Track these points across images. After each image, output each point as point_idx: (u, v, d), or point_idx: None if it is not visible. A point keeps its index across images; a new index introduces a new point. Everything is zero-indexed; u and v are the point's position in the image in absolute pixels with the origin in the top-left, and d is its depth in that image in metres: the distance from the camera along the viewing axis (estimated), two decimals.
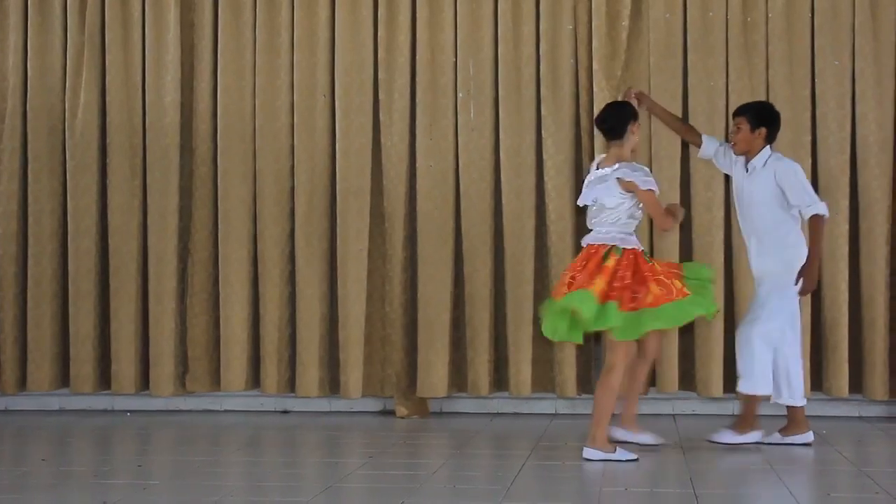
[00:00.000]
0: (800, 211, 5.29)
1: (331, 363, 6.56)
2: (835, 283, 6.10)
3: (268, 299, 6.52)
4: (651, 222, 5.99)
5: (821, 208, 5.25)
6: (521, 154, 6.40)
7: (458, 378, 6.49)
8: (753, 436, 5.28)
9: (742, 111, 5.46)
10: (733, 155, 5.47)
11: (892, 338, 6.17)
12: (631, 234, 5.09)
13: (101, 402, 6.74)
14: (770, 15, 6.25)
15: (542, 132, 6.39)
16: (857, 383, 6.19)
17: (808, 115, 6.22)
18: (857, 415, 6.23)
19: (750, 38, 6.26)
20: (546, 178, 6.38)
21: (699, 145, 5.62)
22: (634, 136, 5.18)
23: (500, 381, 6.47)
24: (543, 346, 6.39)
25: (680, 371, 6.25)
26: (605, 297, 4.93)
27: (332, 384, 6.57)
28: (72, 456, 5.52)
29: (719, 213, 6.25)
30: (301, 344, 6.50)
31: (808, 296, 5.54)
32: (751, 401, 5.30)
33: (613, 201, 5.06)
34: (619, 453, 5.02)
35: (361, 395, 6.50)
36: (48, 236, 6.63)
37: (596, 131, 6.28)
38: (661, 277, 4.99)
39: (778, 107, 6.17)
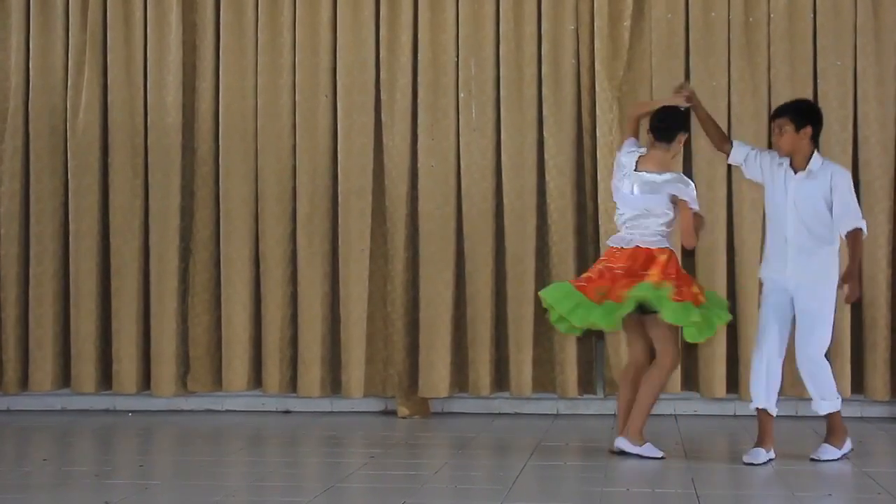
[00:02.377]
0: (837, 221, 5.00)
1: (332, 363, 6.56)
2: None
3: (269, 299, 6.52)
4: None
5: (863, 224, 5.01)
6: (522, 154, 6.40)
7: (460, 378, 6.49)
8: (848, 444, 5.12)
9: (783, 111, 5.13)
10: (766, 160, 5.14)
11: (894, 338, 6.17)
12: (667, 241, 5.15)
13: (102, 402, 6.74)
14: (772, 15, 6.24)
15: (544, 132, 6.39)
16: (858, 383, 6.18)
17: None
18: (858, 415, 6.22)
19: (752, 38, 6.26)
20: (548, 178, 6.38)
21: (728, 152, 5.26)
22: (680, 145, 5.19)
23: (501, 381, 6.47)
24: (545, 347, 6.39)
25: (682, 371, 6.25)
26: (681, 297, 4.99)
27: (334, 384, 6.57)
28: (73, 456, 5.52)
29: (722, 213, 6.25)
30: (303, 344, 6.50)
31: None
32: (836, 414, 5.11)
33: (660, 210, 5.09)
34: (646, 448, 5.04)
35: (363, 395, 6.50)
36: (50, 236, 6.64)
37: (599, 131, 6.29)
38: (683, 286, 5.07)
39: None
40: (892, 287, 6.15)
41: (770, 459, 4.99)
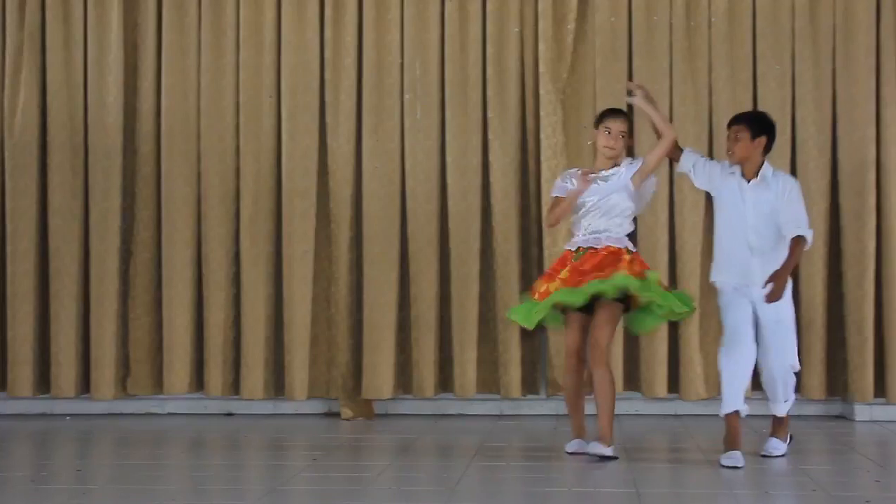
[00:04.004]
0: (783, 227, 5.04)
1: (276, 365, 6.52)
2: None
3: (212, 301, 6.47)
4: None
5: (809, 234, 5.06)
6: (467, 156, 6.42)
7: (404, 379, 6.48)
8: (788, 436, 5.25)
9: (741, 119, 5.19)
10: (716, 170, 5.18)
11: (830, 338, 6.28)
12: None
13: (39, 405, 6.64)
14: (713, 20, 6.32)
15: (489, 134, 6.41)
16: (796, 382, 6.26)
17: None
18: (795, 413, 6.30)
19: (693, 42, 6.34)
20: (492, 180, 6.40)
21: (678, 159, 5.29)
22: (598, 139, 5.21)
23: (445, 382, 6.47)
24: (489, 348, 6.41)
25: (624, 372, 6.30)
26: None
27: (277, 386, 6.53)
28: (9, 461, 5.42)
29: (664, 214, 6.31)
30: (246, 346, 6.45)
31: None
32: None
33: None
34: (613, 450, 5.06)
35: (306, 398, 6.47)
36: None
37: (543, 133, 6.33)
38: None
39: (720, 111, 6.29)
40: (828, 288, 6.26)
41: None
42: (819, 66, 6.26)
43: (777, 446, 5.18)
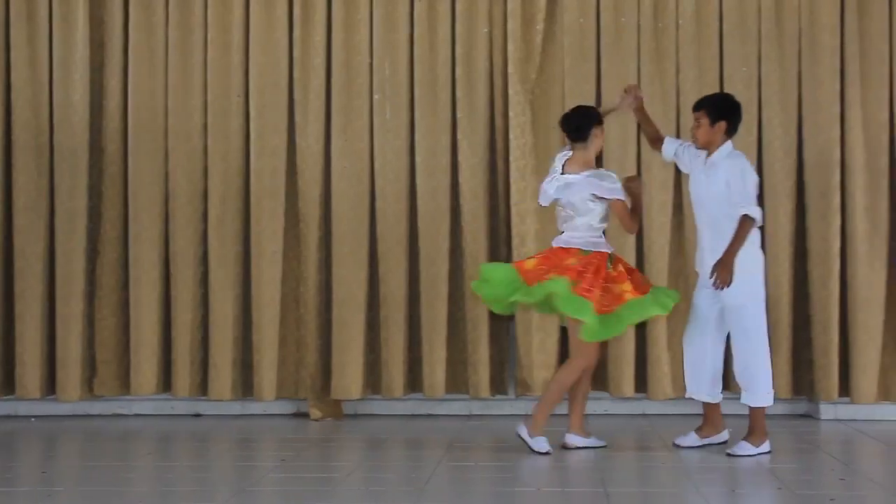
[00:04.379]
0: (732, 206, 5.18)
1: (244, 366, 6.49)
2: None
3: (180, 301, 6.43)
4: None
5: (753, 211, 5.15)
6: (436, 156, 6.42)
7: (373, 379, 6.48)
8: (766, 445, 5.26)
9: (701, 105, 5.35)
10: (690, 153, 5.37)
11: (795, 337, 6.34)
12: (600, 238, 5.25)
13: (3, 407, 6.56)
14: (680, 21, 6.37)
15: (458, 134, 6.42)
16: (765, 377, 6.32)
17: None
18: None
19: (661, 43, 6.37)
20: (461, 180, 6.41)
21: (660, 149, 5.51)
22: (598, 140, 5.28)
23: (414, 382, 6.47)
24: (458, 348, 6.42)
25: (592, 371, 6.31)
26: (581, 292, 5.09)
27: (246, 387, 6.50)
28: None
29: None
30: (214, 346, 6.42)
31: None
32: (761, 410, 5.25)
33: (584, 209, 5.20)
34: (536, 441, 5.15)
35: (275, 398, 6.45)
36: None
37: (512, 134, 6.35)
38: (610, 285, 5.13)
39: (687, 112, 6.29)
40: (794, 288, 6.32)
41: (706, 444, 5.31)
42: (785, 68, 6.32)
43: (743, 448, 5.20)
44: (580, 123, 5.26)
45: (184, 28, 6.49)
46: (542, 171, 6.36)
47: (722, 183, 5.19)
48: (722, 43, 6.35)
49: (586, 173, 5.22)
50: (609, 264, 5.19)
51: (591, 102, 6.31)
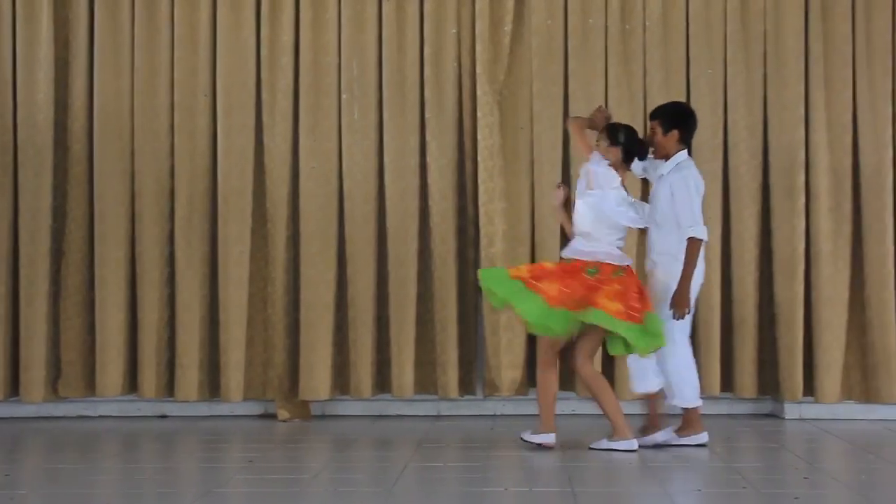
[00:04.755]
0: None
1: (211, 366, 6.46)
2: (707, 284, 6.26)
3: (146, 301, 6.39)
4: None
5: (699, 232, 5.20)
6: (404, 156, 6.42)
7: (341, 380, 6.46)
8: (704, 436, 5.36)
9: (655, 114, 5.41)
10: (654, 162, 5.40)
11: (761, 337, 6.39)
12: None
13: None
14: (647, 24, 6.40)
15: (426, 135, 6.42)
16: (727, 382, 6.38)
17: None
18: (727, 412, 6.44)
19: (628, 45, 6.41)
20: (430, 181, 6.41)
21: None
22: (612, 156, 5.28)
23: (382, 382, 6.47)
24: (426, 348, 6.42)
25: (560, 372, 6.33)
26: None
27: (213, 388, 6.47)
28: None
29: None
30: (181, 347, 6.38)
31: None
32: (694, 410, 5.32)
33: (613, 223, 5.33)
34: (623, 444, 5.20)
35: (242, 399, 6.42)
36: None
37: (480, 134, 6.36)
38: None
39: None
40: (760, 289, 6.37)
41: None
42: (750, 70, 6.38)
43: (661, 436, 5.30)
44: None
45: (150, 27, 6.44)
46: (510, 171, 6.39)
47: (668, 194, 5.26)
48: (688, 45, 6.39)
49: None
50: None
51: (558, 104, 6.36)
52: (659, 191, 5.33)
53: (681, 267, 5.23)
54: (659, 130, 5.33)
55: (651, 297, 5.27)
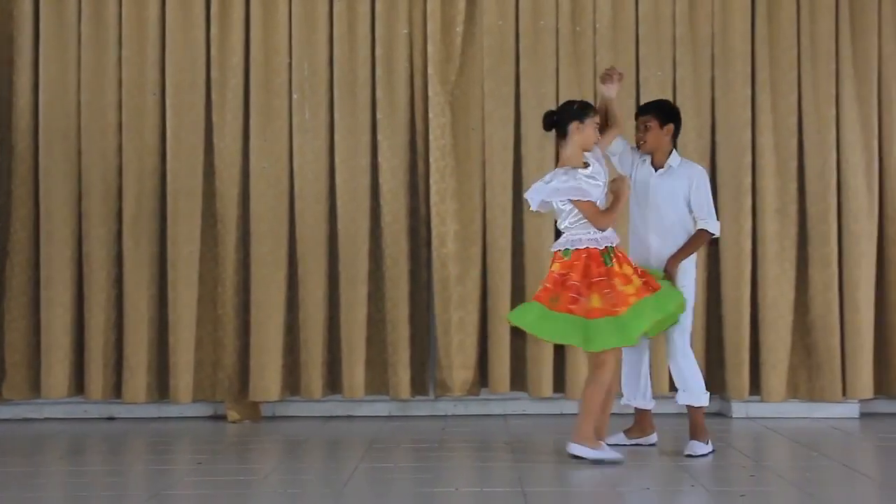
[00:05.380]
0: (695, 217, 5.26)
1: (160, 368, 6.40)
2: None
3: (93, 302, 6.31)
4: None
5: (712, 227, 5.24)
6: (356, 156, 6.41)
7: (292, 381, 6.43)
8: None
9: (648, 109, 5.38)
10: (634, 158, 5.35)
11: (708, 337, 6.45)
12: (588, 233, 4.97)
13: None
14: (597, 26, 6.45)
15: (378, 135, 6.41)
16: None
17: (632, 122, 6.41)
18: (675, 411, 6.49)
19: (578, 46, 6.45)
20: (381, 181, 6.40)
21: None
22: (577, 136, 5.00)
23: (333, 383, 6.45)
24: (377, 349, 6.41)
25: (510, 372, 6.37)
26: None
27: (162, 389, 6.41)
28: None
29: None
30: (129, 348, 6.31)
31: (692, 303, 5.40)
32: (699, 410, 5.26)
33: (563, 205, 5.00)
34: (605, 451, 4.97)
35: (192, 400, 6.37)
36: None
37: (432, 135, 6.37)
38: (608, 291, 4.87)
39: None
40: (708, 289, 6.41)
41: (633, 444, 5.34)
42: (698, 72, 6.45)
43: (696, 447, 5.19)
44: (557, 119, 5.05)
45: (97, 24, 6.37)
46: (461, 172, 6.40)
47: (681, 189, 5.24)
48: (638, 47, 6.45)
49: (548, 176, 5.04)
50: (609, 259, 4.94)
51: (510, 105, 6.38)
52: (665, 185, 5.24)
53: (687, 278, 5.21)
54: (655, 124, 5.29)
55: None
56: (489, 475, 4.87)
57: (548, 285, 4.99)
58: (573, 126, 5.03)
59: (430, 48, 6.37)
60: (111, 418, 6.46)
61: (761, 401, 6.39)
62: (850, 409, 6.37)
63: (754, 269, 6.39)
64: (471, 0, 6.42)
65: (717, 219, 5.35)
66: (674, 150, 5.35)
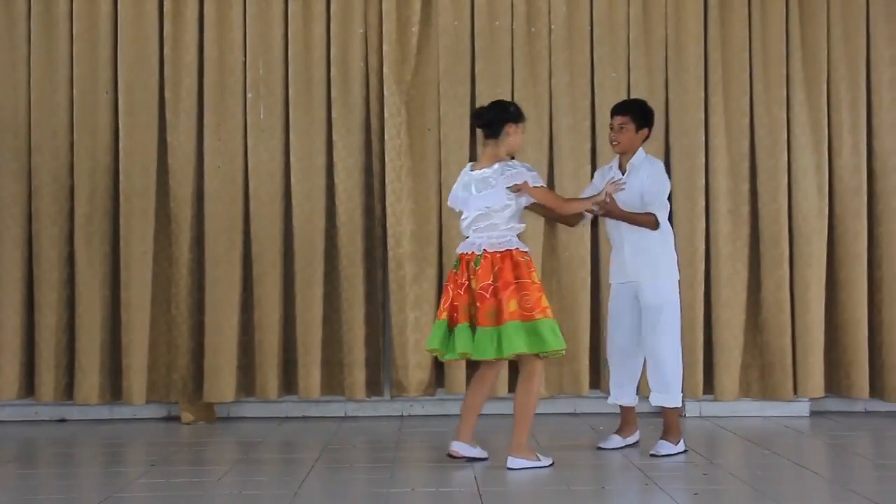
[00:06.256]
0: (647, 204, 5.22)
1: (112, 369, 6.33)
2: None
3: (44, 303, 6.23)
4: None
5: (659, 216, 5.21)
6: (311, 156, 6.38)
7: (246, 382, 6.40)
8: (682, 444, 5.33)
9: (625, 110, 5.32)
10: (601, 178, 5.34)
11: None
12: (513, 234, 4.98)
13: None
14: (552, 27, 6.48)
15: (333, 135, 6.39)
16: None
17: (587, 123, 6.49)
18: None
19: (534, 47, 6.48)
20: (336, 181, 6.39)
21: (591, 211, 5.28)
22: (511, 138, 4.99)
23: (289, 384, 6.42)
24: (333, 349, 6.39)
25: (468, 372, 6.38)
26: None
27: (114, 390, 6.34)
28: None
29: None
30: (80, 349, 6.24)
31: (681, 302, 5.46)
32: (673, 411, 5.27)
33: (500, 205, 4.94)
34: (543, 460, 4.97)
35: (145, 402, 6.31)
36: None
37: (387, 134, 6.36)
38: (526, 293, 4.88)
39: (560, 115, 6.46)
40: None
41: (626, 445, 5.39)
42: (652, 74, 6.50)
43: (664, 447, 5.24)
44: (493, 118, 5.01)
45: (48, 20, 6.29)
46: (417, 172, 6.40)
47: (640, 187, 5.24)
48: (593, 49, 6.49)
49: (497, 166, 4.97)
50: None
51: (465, 105, 6.39)
52: (629, 183, 5.22)
53: (668, 282, 5.24)
54: (631, 126, 5.29)
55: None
56: (445, 475, 4.88)
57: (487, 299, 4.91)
58: (510, 127, 5.03)
59: (385, 48, 6.37)
60: (62, 420, 6.38)
61: (714, 399, 6.46)
62: (801, 408, 6.46)
63: (707, 269, 6.45)
64: (426, 0, 6.42)
65: (671, 218, 5.37)
66: (639, 150, 5.37)
